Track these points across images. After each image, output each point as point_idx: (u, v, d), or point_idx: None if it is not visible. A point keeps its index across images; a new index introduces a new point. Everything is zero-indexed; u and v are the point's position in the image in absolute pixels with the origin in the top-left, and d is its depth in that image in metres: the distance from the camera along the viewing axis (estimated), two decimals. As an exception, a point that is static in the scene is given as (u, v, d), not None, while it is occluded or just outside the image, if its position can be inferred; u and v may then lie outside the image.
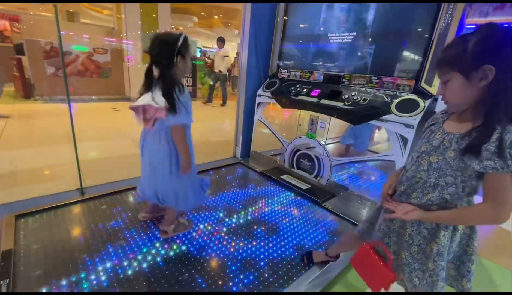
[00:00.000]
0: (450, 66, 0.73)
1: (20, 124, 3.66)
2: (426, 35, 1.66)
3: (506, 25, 0.71)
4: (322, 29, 2.29)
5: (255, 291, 1.22)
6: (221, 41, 5.89)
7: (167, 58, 1.20)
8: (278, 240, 1.58)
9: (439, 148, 0.78)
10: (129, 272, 1.25)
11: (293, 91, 2.36)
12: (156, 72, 1.25)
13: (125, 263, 1.30)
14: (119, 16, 6.38)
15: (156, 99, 1.20)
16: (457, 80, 0.72)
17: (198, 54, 10.04)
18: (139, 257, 1.35)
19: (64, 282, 1.16)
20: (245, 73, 2.68)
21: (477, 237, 0.82)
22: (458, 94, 0.73)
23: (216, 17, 10.73)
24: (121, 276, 1.22)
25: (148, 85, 1.26)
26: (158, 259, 1.35)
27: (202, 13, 10.10)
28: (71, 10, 9.74)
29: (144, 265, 1.30)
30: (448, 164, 0.75)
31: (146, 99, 1.21)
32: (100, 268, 1.26)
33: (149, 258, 1.35)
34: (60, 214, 1.64)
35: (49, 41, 5.19)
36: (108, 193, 1.90)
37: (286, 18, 2.52)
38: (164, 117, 1.22)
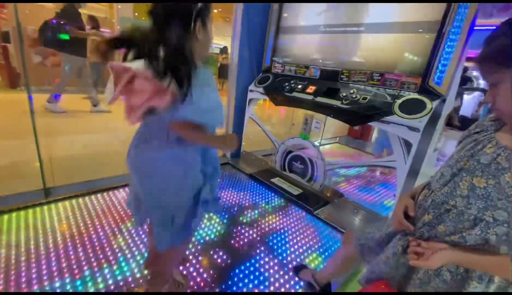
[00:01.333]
0: (499, 62, 0.52)
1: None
2: (437, 27, 1.47)
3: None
4: (319, 20, 2.09)
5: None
6: None
7: (180, 22, 0.72)
8: (263, 254, 1.39)
9: (490, 166, 0.56)
10: None
11: (287, 87, 2.16)
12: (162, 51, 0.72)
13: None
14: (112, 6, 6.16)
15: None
16: (509, 83, 0.51)
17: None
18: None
19: None
20: (236, 67, 2.48)
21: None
22: None
23: (215, 11, 10.50)
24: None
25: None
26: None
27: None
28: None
29: None
30: (502, 191, 0.53)
31: (138, 64, 0.70)
32: None
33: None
34: (17, 217, 1.44)
35: (36, 29, 4.95)
36: (80, 194, 1.71)
37: (281, 8, 2.32)
38: (164, 106, 0.70)
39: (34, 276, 1.10)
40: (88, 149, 2.61)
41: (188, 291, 1.14)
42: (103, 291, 1.09)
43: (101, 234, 1.40)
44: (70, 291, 1.07)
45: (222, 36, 10.49)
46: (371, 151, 3.37)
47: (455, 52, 1.45)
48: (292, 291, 1.19)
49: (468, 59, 1.65)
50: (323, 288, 1.13)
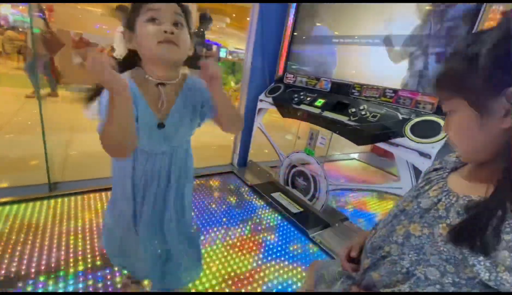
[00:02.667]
0: (452, 88, 0.43)
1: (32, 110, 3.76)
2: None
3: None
4: (334, 31, 1.98)
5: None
6: None
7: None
8: (239, 272, 1.30)
9: (428, 213, 0.46)
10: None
11: (296, 99, 2.07)
12: None
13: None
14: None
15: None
16: (465, 113, 0.42)
17: (223, 55, 9.97)
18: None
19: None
20: (248, 75, 2.44)
21: None
22: (467, 135, 0.43)
23: (248, 19, 10.68)
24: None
25: None
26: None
27: (234, 14, 10.07)
28: (114, 6, 10.33)
29: (73, 287, 1.11)
30: (435, 245, 0.43)
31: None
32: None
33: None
34: (19, 209, 1.52)
35: (79, 33, 5.40)
36: (83, 191, 1.77)
37: (296, 19, 2.24)
38: None
39: (33, 264, 1.14)
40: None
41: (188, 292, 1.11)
42: (101, 291, 1.08)
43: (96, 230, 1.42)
44: (71, 291, 1.08)
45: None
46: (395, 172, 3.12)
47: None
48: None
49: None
50: None
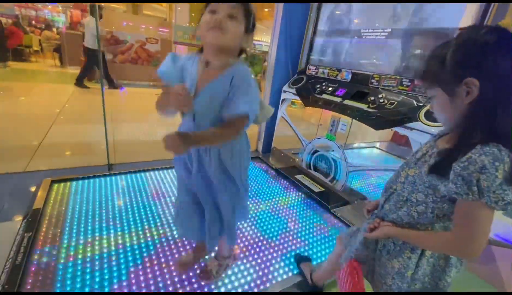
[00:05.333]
0: (431, 81, 0.65)
1: (79, 102, 4.20)
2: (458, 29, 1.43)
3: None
4: (355, 24, 2.13)
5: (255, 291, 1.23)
6: None
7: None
8: (277, 241, 1.55)
9: (420, 160, 0.71)
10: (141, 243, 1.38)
11: (318, 89, 2.25)
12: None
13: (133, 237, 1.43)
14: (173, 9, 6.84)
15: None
16: (441, 97, 0.63)
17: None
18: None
19: (73, 242, 1.33)
20: (272, 68, 2.65)
21: (452, 272, 0.71)
22: (444, 112, 0.65)
23: (266, 10, 10.71)
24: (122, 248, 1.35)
25: None
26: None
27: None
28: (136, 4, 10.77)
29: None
30: (422, 179, 0.67)
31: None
32: (105, 235, 1.40)
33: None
34: (87, 184, 1.86)
35: (110, 31, 5.79)
36: (135, 171, 2.09)
37: (319, 13, 2.40)
38: None
39: (96, 227, 1.46)
40: (147, 135, 3.07)
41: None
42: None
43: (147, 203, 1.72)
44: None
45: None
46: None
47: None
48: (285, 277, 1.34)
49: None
50: (313, 286, 1.23)
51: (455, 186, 0.56)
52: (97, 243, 1.36)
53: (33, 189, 1.74)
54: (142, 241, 1.41)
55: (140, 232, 1.47)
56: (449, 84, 0.60)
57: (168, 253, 1.35)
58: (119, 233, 1.44)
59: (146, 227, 1.51)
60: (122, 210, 1.63)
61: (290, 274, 1.33)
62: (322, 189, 2.13)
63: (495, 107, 0.56)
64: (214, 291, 1.19)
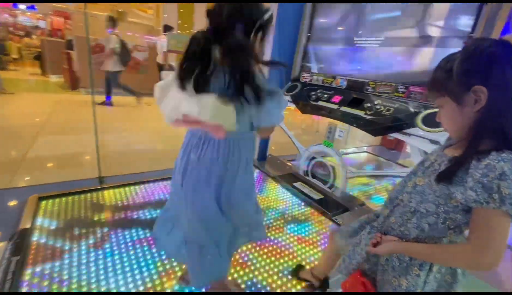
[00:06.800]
0: (439, 91, 0.66)
1: (62, 112, 4.03)
2: (463, 42, 1.48)
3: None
4: (349, 32, 2.16)
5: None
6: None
7: (244, 29, 0.72)
8: (278, 249, 1.52)
9: (428, 169, 0.70)
10: (132, 260, 1.30)
11: (314, 96, 2.26)
12: (218, 52, 0.73)
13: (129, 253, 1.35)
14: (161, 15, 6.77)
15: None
16: (449, 106, 0.64)
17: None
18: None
19: (66, 265, 1.24)
20: (267, 74, 2.64)
21: (458, 286, 0.70)
22: (452, 121, 0.66)
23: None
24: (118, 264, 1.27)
25: (193, 75, 0.73)
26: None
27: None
28: (120, 10, 10.60)
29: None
30: (432, 188, 0.66)
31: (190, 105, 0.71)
32: (100, 257, 1.32)
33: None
34: (77, 200, 1.75)
35: (95, 38, 5.64)
36: (128, 183, 2.00)
37: (313, 19, 2.43)
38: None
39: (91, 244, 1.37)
40: (133, 146, 2.97)
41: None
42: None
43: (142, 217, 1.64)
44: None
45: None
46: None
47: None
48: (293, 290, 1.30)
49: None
50: (321, 283, 1.23)
51: (475, 193, 0.55)
52: (92, 264, 1.27)
53: (18, 207, 1.63)
54: (141, 259, 1.33)
55: (138, 250, 1.39)
56: (458, 92, 0.61)
57: (170, 271, 1.28)
58: (116, 252, 1.36)
59: (145, 243, 1.44)
60: (117, 225, 1.55)
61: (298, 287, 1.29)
62: (322, 196, 2.12)
63: (504, 114, 0.57)
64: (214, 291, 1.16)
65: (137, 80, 6.42)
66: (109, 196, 1.85)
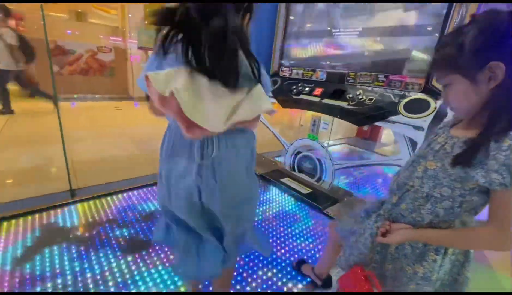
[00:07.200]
0: (448, 68, 0.61)
1: (20, 123, 3.64)
2: (437, 33, 1.53)
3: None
4: (325, 25, 2.16)
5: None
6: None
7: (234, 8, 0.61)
8: (273, 247, 1.46)
9: (439, 152, 0.66)
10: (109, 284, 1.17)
11: (295, 90, 2.24)
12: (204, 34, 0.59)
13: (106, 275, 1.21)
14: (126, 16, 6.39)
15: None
16: (460, 84, 0.60)
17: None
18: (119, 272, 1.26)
19: None
20: (245, 71, 2.57)
21: (470, 265, 0.70)
22: (464, 99, 0.61)
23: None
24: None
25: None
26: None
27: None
28: (79, 10, 9.88)
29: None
30: (446, 172, 0.63)
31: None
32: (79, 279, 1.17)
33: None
34: (46, 218, 1.56)
35: (53, 40, 5.20)
36: (104, 194, 1.83)
37: (288, 14, 2.41)
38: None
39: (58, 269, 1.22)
40: (106, 152, 2.75)
41: (188, 291, 1.16)
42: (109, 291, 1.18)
43: (118, 232, 1.50)
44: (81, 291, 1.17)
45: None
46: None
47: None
48: (295, 290, 1.26)
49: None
50: (324, 282, 1.20)
51: (501, 176, 0.53)
52: (70, 289, 1.12)
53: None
54: (119, 279, 1.21)
55: (124, 268, 1.26)
56: (471, 69, 0.57)
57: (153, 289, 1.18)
58: (97, 272, 1.22)
59: (131, 262, 1.31)
60: (95, 242, 1.40)
61: (299, 285, 1.25)
62: (310, 190, 2.10)
63: None
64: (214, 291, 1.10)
65: (103, 84, 6.05)
66: (83, 209, 1.67)
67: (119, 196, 1.86)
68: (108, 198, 1.82)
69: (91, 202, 1.75)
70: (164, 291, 1.16)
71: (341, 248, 1.01)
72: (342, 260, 0.88)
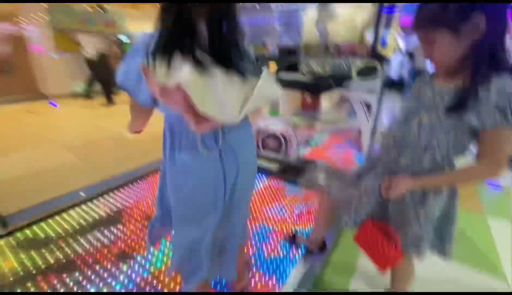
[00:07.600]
0: (434, 24, 0.64)
1: None
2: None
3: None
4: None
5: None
6: None
7: None
8: (259, 228, 1.47)
9: (430, 105, 0.71)
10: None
11: (249, 68, 2.18)
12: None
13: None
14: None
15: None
16: (445, 39, 0.64)
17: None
18: None
19: None
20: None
21: (458, 199, 0.80)
22: (449, 53, 0.65)
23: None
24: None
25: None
26: None
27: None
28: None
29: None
30: (441, 121, 0.69)
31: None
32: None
33: None
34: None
35: None
36: (42, 218, 1.51)
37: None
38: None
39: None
40: (34, 166, 2.26)
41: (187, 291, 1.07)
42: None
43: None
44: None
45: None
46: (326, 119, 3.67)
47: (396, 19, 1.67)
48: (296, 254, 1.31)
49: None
50: (320, 248, 1.26)
51: (493, 117, 0.61)
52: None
53: None
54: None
55: None
56: (456, 23, 0.62)
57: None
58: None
59: None
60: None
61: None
62: (279, 165, 2.14)
63: (500, 41, 0.62)
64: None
65: (1, 84, 4.86)
66: (20, 243, 1.36)
67: (64, 215, 1.56)
68: (50, 221, 1.50)
69: (28, 231, 1.42)
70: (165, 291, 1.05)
71: (334, 212, 1.03)
72: (345, 221, 0.91)
